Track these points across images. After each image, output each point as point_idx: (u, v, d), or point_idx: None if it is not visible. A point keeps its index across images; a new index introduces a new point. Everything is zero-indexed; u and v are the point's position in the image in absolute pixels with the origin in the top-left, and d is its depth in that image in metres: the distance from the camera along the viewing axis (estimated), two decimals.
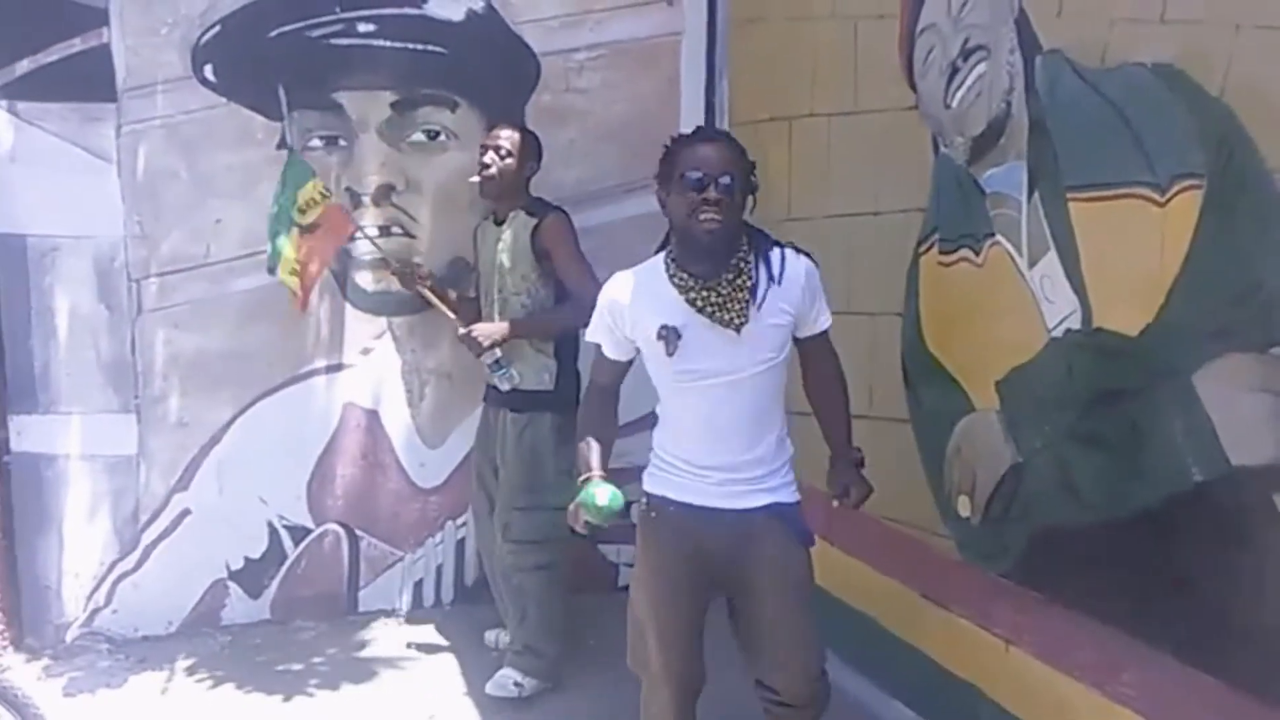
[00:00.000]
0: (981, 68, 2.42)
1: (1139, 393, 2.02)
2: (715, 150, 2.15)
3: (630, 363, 2.34)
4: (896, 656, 2.84)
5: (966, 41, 2.47)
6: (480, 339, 3.10)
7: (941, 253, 2.62)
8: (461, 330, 3.16)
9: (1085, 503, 2.19)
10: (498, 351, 3.12)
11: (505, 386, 3.16)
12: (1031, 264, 2.29)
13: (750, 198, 2.20)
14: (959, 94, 2.50)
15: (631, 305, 2.23)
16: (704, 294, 2.14)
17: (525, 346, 3.14)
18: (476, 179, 3.17)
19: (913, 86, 2.68)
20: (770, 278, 2.17)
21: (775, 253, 2.22)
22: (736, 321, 2.14)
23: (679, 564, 2.25)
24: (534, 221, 3.10)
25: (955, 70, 2.51)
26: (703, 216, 2.10)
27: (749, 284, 2.15)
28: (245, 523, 3.60)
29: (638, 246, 3.79)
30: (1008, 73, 2.33)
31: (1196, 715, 1.94)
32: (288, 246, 3.24)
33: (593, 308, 3.06)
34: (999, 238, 2.40)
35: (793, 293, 2.21)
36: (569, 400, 3.13)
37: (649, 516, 2.31)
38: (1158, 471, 1.98)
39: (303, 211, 3.24)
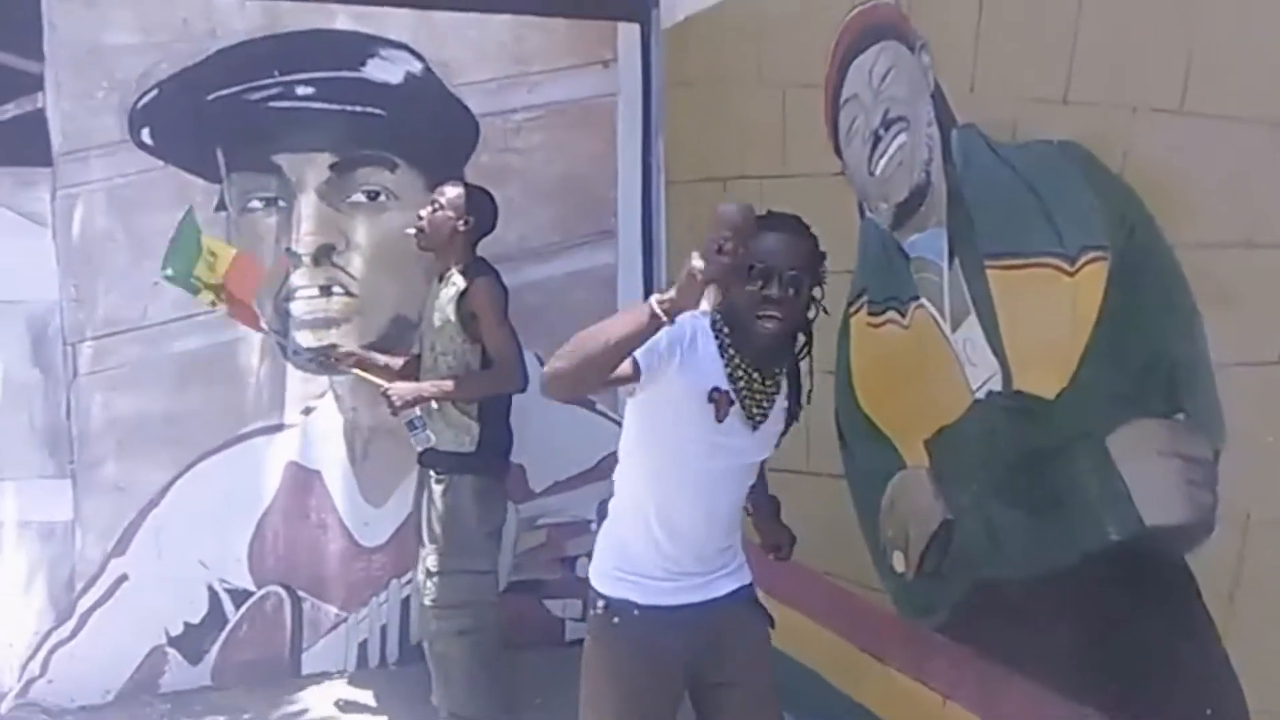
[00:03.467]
0: (902, 138, 2.52)
1: (1058, 454, 2.10)
2: (786, 241, 1.96)
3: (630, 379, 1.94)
4: (837, 709, 2.88)
5: (887, 113, 2.56)
6: (394, 398, 3.10)
7: (870, 314, 2.70)
8: (382, 388, 3.17)
9: (1012, 560, 2.26)
10: (415, 411, 3.11)
11: (418, 448, 3.17)
12: (954, 327, 2.38)
13: (820, 289, 2.03)
14: (881, 162, 2.60)
15: (690, 350, 1.98)
16: (749, 377, 2.00)
17: (449, 407, 3.14)
18: (412, 231, 3.22)
19: (838, 153, 2.78)
20: (794, 392, 2.11)
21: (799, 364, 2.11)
22: (758, 419, 2.03)
23: (647, 674, 2.07)
24: (465, 283, 3.11)
25: (877, 139, 2.60)
26: (762, 313, 1.93)
27: (778, 388, 2.06)
28: (185, 587, 3.55)
29: (576, 301, 3.92)
30: (926, 144, 2.43)
31: None
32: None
33: (512, 376, 3.09)
34: (923, 301, 2.48)
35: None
36: (492, 463, 3.18)
37: (609, 623, 2.09)
38: (1078, 530, 2.06)
39: (210, 269, 3.27)
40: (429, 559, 3.18)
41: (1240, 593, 1.75)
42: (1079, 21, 1.99)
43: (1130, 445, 1.93)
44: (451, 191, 3.19)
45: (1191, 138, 1.77)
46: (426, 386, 3.14)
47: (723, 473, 2.06)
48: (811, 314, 2.03)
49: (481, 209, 3.21)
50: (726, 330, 2.01)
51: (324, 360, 3.41)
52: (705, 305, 1.85)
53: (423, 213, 3.20)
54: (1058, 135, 2.05)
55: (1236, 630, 1.77)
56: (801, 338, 2.07)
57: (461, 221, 3.16)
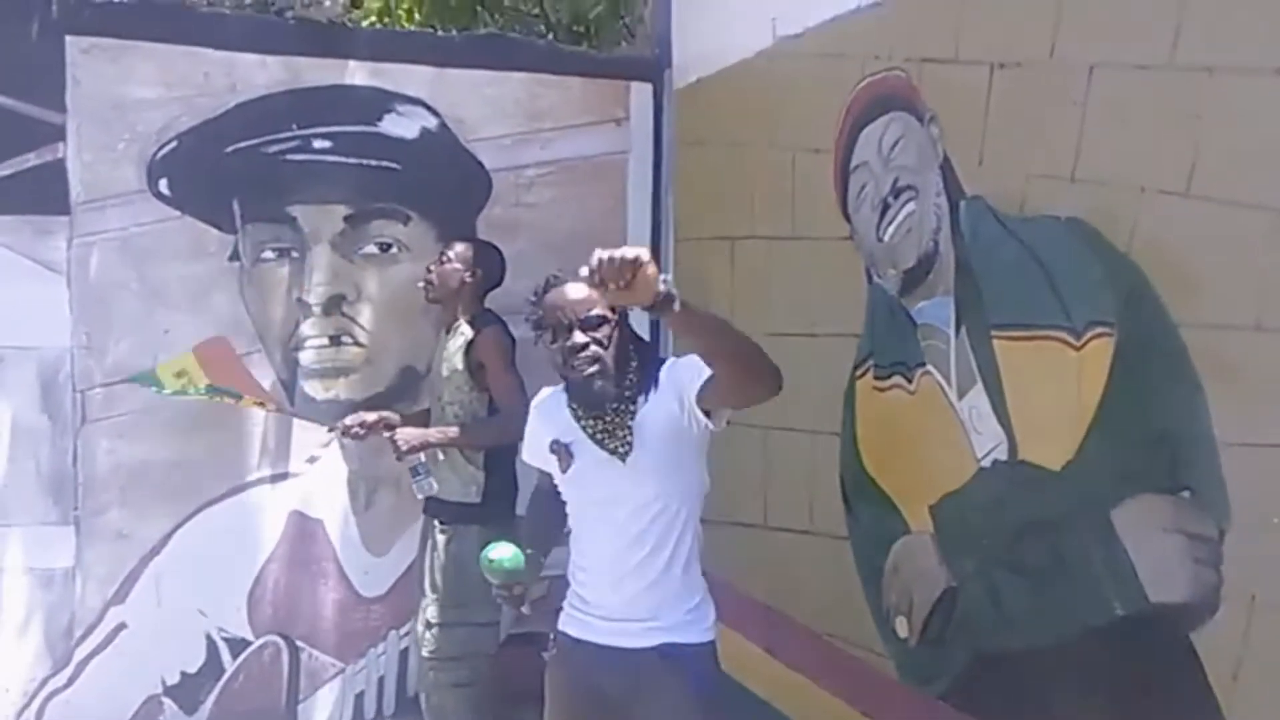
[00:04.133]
0: (911, 206, 2.55)
1: (1063, 526, 2.11)
2: (565, 292, 2.08)
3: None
4: None
5: (896, 181, 2.60)
6: (400, 443, 3.13)
7: (876, 378, 2.71)
8: (386, 433, 3.22)
9: (1017, 630, 2.25)
10: (420, 457, 3.14)
11: (420, 495, 3.19)
12: (960, 395, 2.39)
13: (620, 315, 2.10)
14: (890, 229, 2.63)
15: (539, 420, 2.28)
16: (591, 421, 2.11)
17: (455, 456, 3.18)
18: (421, 284, 3.31)
19: (847, 218, 2.81)
20: (647, 396, 2.11)
21: (661, 372, 2.13)
22: (621, 450, 2.08)
23: (579, 707, 2.18)
24: (472, 333, 3.17)
25: (886, 207, 2.64)
26: (575, 364, 2.05)
27: (632, 409, 2.10)
28: (183, 636, 3.53)
29: None
30: (935, 213, 2.46)
31: None
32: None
33: (518, 425, 2.96)
34: (929, 368, 2.50)
35: (667, 396, 2.08)
36: (498, 513, 3.15)
37: (554, 655, 2.27)
38: (1083, 603, 2.06)
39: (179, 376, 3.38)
40: (429, 609, 3.19)
41: (1244, 673, 1.75)
42: (1086, 101, 2.03)
43: (1135, 520, 1.94)
44: (459, 245, 3.28)
45: (1199, 220, 1.80)
46: (432, 433, 3.18)
47: (615, 507, 2.12)
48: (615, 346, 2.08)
49: (489, 262, 3.29)
50: (565, 387, 2.18)
51: (345, 436, 3.39)
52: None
53: (431, 266, 3.29)
54: (1065, 211, 2.08)
55: (1240, 711, 1.76)
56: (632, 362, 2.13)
57: (469, 273, 3.23)
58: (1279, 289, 1.68)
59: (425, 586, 3.25)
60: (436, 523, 3.22)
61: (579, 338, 2.05)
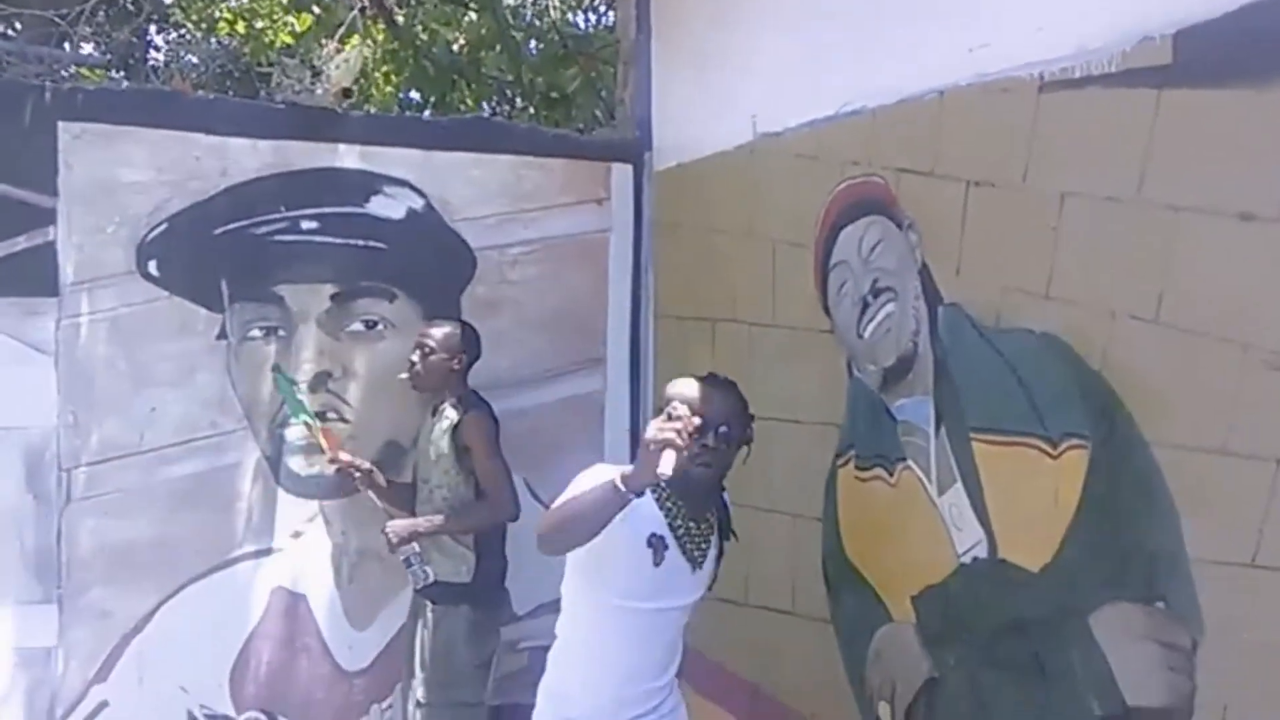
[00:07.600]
0: (890, 307, 2.66)
1: (1042, 625, 2.20)
2: (719, 398, 2.25)
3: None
4: None
5: (875, 281, 2.71)
6: (391, 537, 3.20)
7: (858, 468, 2.81)
8: (381, 526, 3.26)
9: None
10: (414, 547, 3.20)
11: (416, 585, 3.25)
12: (940, 492, 2.49)
13: (747, 448, 2.30)
14: (870, 327, 2.74)
15: (629, 511, 2.24)
16: (687, 524, 2.27)
17: (444, 538, 3.24)
18: (405, 375, 3.34)
19: (827, 312, 2.92)
20: (723, 530, 2.38)
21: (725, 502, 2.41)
22: (699, 559, 2.30)
23: None
24: (457, 417, 3.22)
25: (866, 305, 2.74)
26: (698, 461, 2.16)
27: (712, 529, 2.34)
28: (164, 713, 3.51)
29: (566, 426, 4.02)
30: (914, 315, 2.57)
31: None
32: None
33: (504, 508, 3.20)
34: (910, 463, 2.60)
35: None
36: (488, 594, 3.27)
37: None
38: (1062, 703, 2.14)
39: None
40: (418, 690, 3.23)
41: None
42: (1059, 222, 2.15)
43: (1112, 626, 2.03)
44: (439, 333, 3.31)
45: (1167, 346, 1.91)
46: (420, 522, 3.23)
47: (664, 612, 2.27)
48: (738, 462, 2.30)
49: (470, 343, 3.36)
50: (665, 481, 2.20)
51: (342, 474, 3.45)
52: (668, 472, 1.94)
53: (414, 357, 3.31)
54: (1039, 326, 2.19)
55: None
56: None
57: (455, 361, 3.29)
58: (1244, 417, 1.79)
59: (415, 665, 3.28)
60: (428, 603, 3.26)
61: (710, 440, 2.18)
